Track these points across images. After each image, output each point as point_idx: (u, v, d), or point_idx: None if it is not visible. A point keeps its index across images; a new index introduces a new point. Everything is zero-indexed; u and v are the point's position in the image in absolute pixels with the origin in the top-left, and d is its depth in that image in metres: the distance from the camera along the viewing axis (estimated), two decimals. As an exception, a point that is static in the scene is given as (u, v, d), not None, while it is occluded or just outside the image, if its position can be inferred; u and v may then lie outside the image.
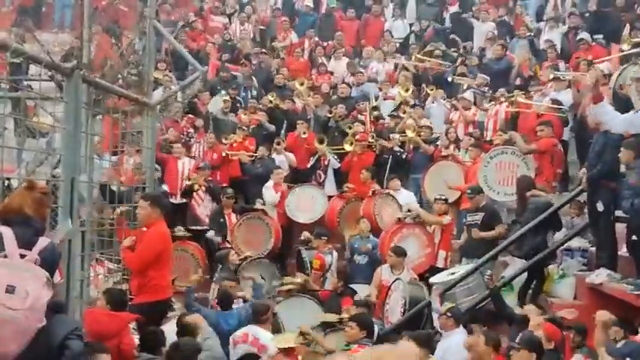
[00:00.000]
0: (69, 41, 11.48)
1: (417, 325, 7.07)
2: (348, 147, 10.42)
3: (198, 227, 9.59)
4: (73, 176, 5.04)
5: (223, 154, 10.41)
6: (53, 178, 6.71)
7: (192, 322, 5.57)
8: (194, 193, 9.83)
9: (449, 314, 6.31)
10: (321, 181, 10.60)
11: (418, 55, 12.85)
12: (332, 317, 7.01)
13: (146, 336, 5.11)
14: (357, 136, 10.52)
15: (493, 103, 10.85)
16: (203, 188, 9.77)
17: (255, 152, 10.57)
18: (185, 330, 5.47)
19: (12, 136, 7.99)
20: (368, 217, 9.15)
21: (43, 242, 2.95)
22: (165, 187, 9.51)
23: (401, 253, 8.03)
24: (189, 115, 11.29)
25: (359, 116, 11.37)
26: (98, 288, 6.09)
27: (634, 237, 5.86)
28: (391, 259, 7.97)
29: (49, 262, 2.94)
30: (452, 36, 13.86)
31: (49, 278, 2.83)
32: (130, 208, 6.74)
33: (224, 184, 10.15)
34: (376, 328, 6.32)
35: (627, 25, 11.39)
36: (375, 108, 11.49)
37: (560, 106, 9.74)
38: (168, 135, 10.57)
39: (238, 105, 12.04)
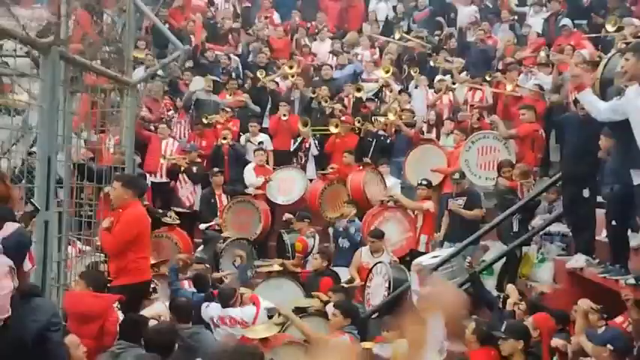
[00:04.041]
0: (46, 17, 11.19)
1: (399, 307, 7.08)
2: (333, 129, 10.35)
3: (183, 210, 9.51)
4: (49, 155, 4.91)
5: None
6: (29, 157, 6.57)
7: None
8: (179, 175, 9.73)
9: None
10: (302, 163, 10.55)
11: (405, 35, 12.80)
12: (304, 302, 6.97)
13: (126, 324, 5.02)
14: (342, 118, 10.47)
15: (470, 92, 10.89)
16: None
17: (239, 134, 10.54)
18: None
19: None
20: (355, 187, 9.11)
21: (7, 229, 2.75)
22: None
23: (379, 235, 8.01)
24: (168, 98, 11.14)
25: (344, 98, 11.31)
26: (69, 269, 5.98)
27: (613, 222, 5.90)
28: (372, 245, 7.95)
29: (16, 249, 2.75)
30: (437, 18, 13.79)
31: (12, 267, 2.66)
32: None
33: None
34: None
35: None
36: (359, 89, 11.42)
37: (542, 91, 9.77)
38: (145, 114, 10.41)
39: (223, 84, 11.86)
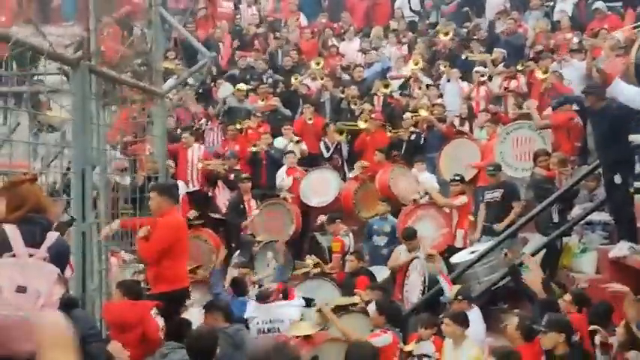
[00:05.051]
0: (78, 33, 11.46)
1: (436, 305, 7.00)
2: (362, 124, 10.29)
3: (217, 215, 9.55)
4: (83, 168, 5.02)
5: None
6: (68, 171, 6.73)
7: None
8: (218, 182, 9.80)
9: (460, 297, 6.24)
10: (339, 165, 10.53)
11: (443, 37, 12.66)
12: (345, 300, 6.95)
13: (171, 326, 5.09)
14: (372, 114, 10.42)
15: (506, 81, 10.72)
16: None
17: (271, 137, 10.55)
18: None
19: (26, 131, 7.98)
20: (383, 185, 9.04)
21: (51, 238, 2.85)
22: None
23: (411, 235, 7.82)
24: (199, 106, 11.26)
25: (374, 97, 11.27)
26: (112, 279, 6.08)
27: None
28: (408, 245, 7.85)
29: (59, 257, 2.86)
30: (464, 9, 13.61)
31: (60, 274, 2.77)
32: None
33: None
34: None
35: None
36: (386, 85, 11.36)
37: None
38: (174, 124, 10.54)
39: (254, 89, 11.92)
